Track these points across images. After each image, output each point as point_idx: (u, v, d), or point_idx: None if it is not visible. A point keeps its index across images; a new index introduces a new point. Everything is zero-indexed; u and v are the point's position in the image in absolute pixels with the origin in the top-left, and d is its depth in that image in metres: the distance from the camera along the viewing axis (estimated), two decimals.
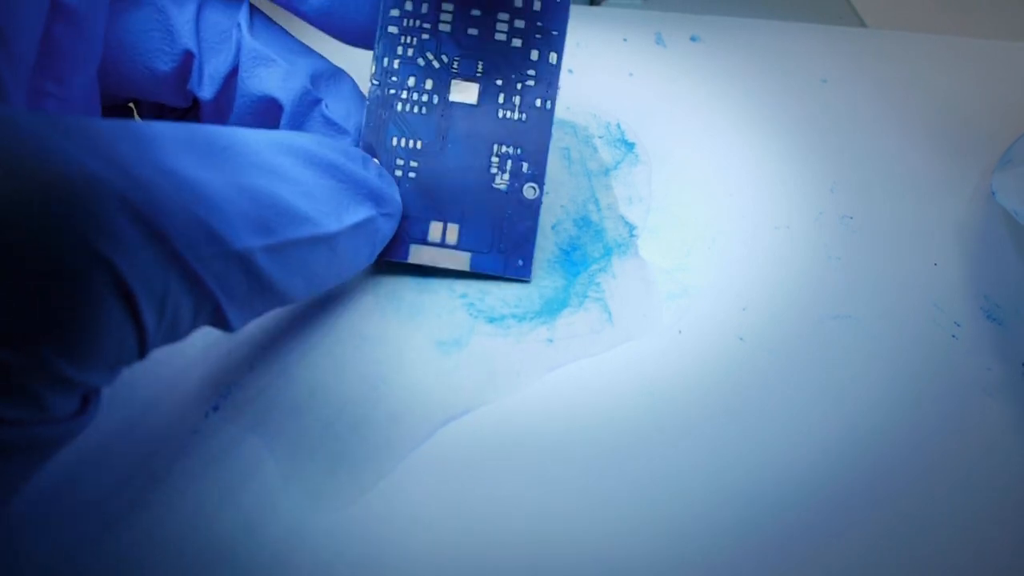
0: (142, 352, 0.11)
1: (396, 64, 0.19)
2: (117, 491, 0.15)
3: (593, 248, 0.20)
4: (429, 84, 0.19)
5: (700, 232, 0.21)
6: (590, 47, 0.25)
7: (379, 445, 0.16)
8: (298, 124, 0.18)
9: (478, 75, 0.19)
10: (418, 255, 0.19)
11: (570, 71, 0.25)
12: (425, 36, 0.19)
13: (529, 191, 0.19)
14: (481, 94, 0.19)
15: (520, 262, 0.19)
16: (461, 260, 0.19)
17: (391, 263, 0.19)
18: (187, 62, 0.18)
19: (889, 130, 0.24)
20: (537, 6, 0.19)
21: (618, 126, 0.23)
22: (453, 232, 0.19)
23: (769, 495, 0.16)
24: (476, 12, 0.19)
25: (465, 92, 0.19)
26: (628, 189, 0.22)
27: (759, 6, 0.30)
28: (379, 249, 0.18)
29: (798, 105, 0.25)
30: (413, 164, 0.19)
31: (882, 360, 0.19)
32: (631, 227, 0.21)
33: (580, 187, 0.22)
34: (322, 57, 0.19)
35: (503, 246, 0.19)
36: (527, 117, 0.19)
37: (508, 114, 0.19)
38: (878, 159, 0.23)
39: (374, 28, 0.19)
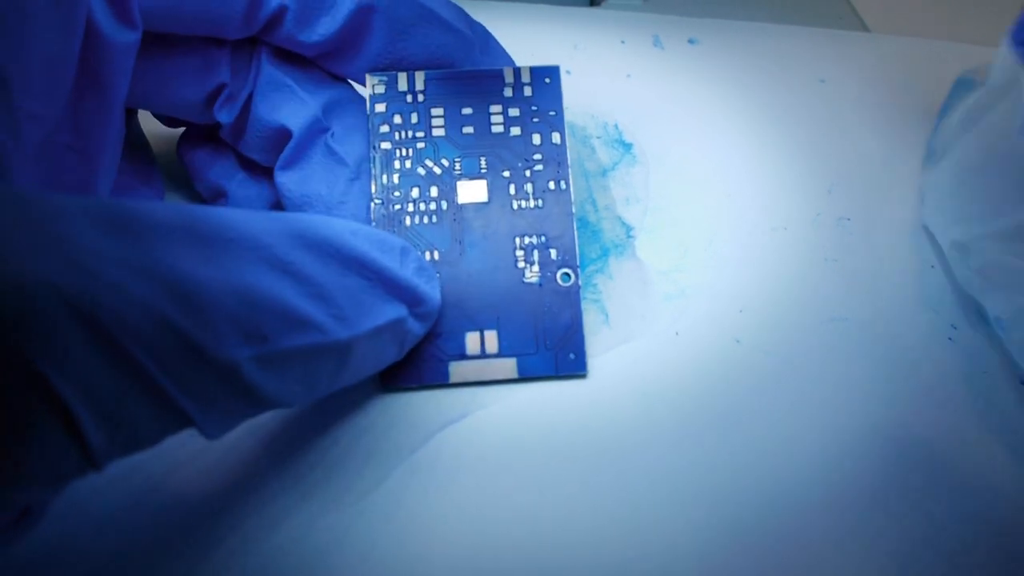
0: (95, 466, 0.10)
1: (396, 179, 0.18)
2: (112, 494, 0.15)
3: (590, 249, 0.20)
4: (434, 191, 0.18)
5: (697, 233, 0.21)
6: (588, 49, 0.25)
7: (377, 449, 0.16)
8: (302, 152, 0.17)
9: (483, 171, 0.18)
10: (460, 373, 0.17)
11: (568, 72, 0.25)
12: (420, 145, 0.18)
13: (563, 278, 0.18)
14: (490, 189, 0.18)
15: (572, 355, 0.18)
16: (507, 368, 0.17)
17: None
18: (217, 91, 0.17)
19: (888, 132, 0.24)
20: (528, 92, 0.18)
21: (616, 126, 0.23)
22: (492, 340, 0.17)
23: (765, 497, 0.16)
24: (467, 110, 0.18)
25: (473, 191, 0.18)
26: (626, 190, 0.22)
27: (758, 9, 0.30)
28: (408, 348, 0.16)
29: (796, 106, 0.25)
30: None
31: (879, 362, 0.19)
32: (628, 228, 0.21)
33: (577, 187, 0.22)
34: (346, 84, 0.19)
35: (549, 343, 0.18)
36: (544, 202, 0.18)
37: (523, 203, 0.18)
38: (876, 161, 0.23)
39: (376, 66, 0.18)
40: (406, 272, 0.15)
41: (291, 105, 0.17)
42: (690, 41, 0.26)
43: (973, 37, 0.29)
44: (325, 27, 0.17)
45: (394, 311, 0.14)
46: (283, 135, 0.18)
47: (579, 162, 0.22)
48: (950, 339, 0.19)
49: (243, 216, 0.12)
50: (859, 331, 0.19)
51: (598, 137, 0.23)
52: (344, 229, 0.13)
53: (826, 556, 0.16)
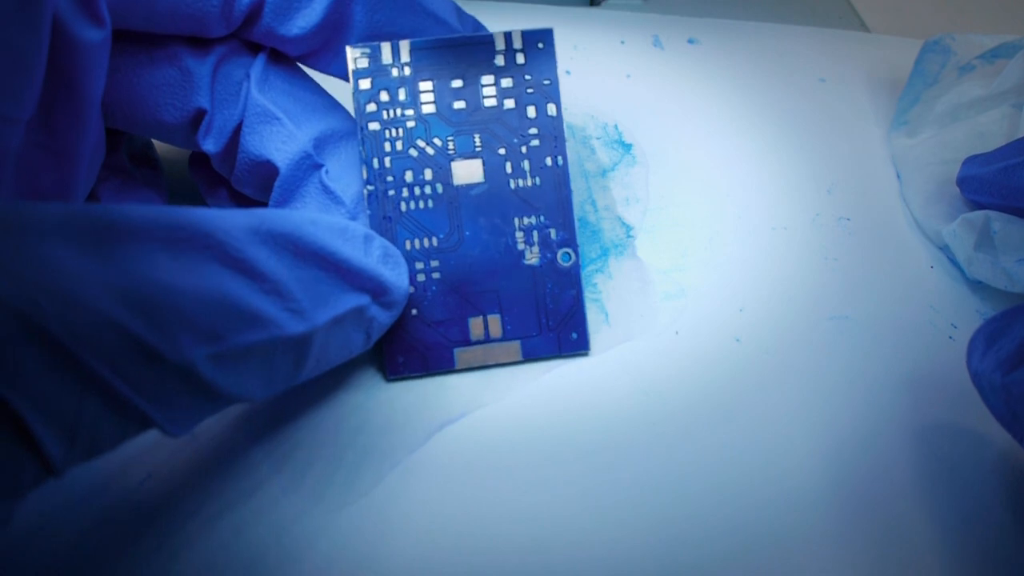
0: (54, 474, 0.10)
1: (388, 162, 0.17)
2: (112, 494, 0.15)
3: (590, 249, 0.20)
4: (429, 174, 0.17)
5: (697, 233, 0.21)
6: (588, 49, 0.25)
7: (377, 448, 0.16)
8: (293, 190, 0.17)
9: (478, 150, 0.17)
10: (465, 359, 0.17)
11: (568, 72, 0.25)
12: (411, 124, 0.17)
13: (564, 257, 0.18)
14: (486, 169, 0.18)
15: (574, 335, 0.18)
16: (512, 351, 0.17)
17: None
18: (198, 116, 0.17)
19: (886, 132, 0.24)
20: (520, 59, 0.18)
21: (616, 127, 0.23)
22: (495, 324, 0.17)
23: (766, 495, 0.16)
24: (457, 83, 0.17)
25: (469, 171, 0.17)
26: (625, 190, 0.22)
27: (758, 9, 0.30)
28: (377, 336, 0.16)
29: (796, 106, 0.25)
30: (434, 264, 0.17)
31: (878, 361, 0.19)
32: (628, 228, 0.21)
33: (577, 188, 0.22)
34: (342, 115, 0.18)
35: (552, 323, 0.18)
36: (541, 180, 0.18)
37: (520, 182, 0.18)
38: (875, 161, 0.23)
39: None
40: (370, 260, 0.15)
41: (279, 139, 0.17)
42: (690, 41, 0.26)
43: None
44: (305, 20, 0.16)
45: (354, 300, 0.14)
46: (271, 171, 0.17)
47: (579, 162, 0.22)
48: (950, 338, 0.19)
49: (198, 214, 0.12)
50: (859, 330, 0.19)
51: (598, 138, 0.23)
52: (303, 220, 0.13)
53: (825, 554, 0.16)
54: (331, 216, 0.14)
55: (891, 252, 0.21)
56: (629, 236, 0.21)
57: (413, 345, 0.17)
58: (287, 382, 0.14)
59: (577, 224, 0.21)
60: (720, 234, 0.21)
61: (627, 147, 0.23)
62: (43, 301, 0.09)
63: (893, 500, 0.16)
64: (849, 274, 0.21)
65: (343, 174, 0.17)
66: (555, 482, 0.16)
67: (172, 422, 0.11)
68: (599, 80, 0.25)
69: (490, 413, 0.17)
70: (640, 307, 0.19)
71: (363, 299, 0.15)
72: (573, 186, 0.22)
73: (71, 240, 0.10)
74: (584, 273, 0.20)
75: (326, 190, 0.17)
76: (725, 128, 0.24)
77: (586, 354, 0.18)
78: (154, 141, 0.20)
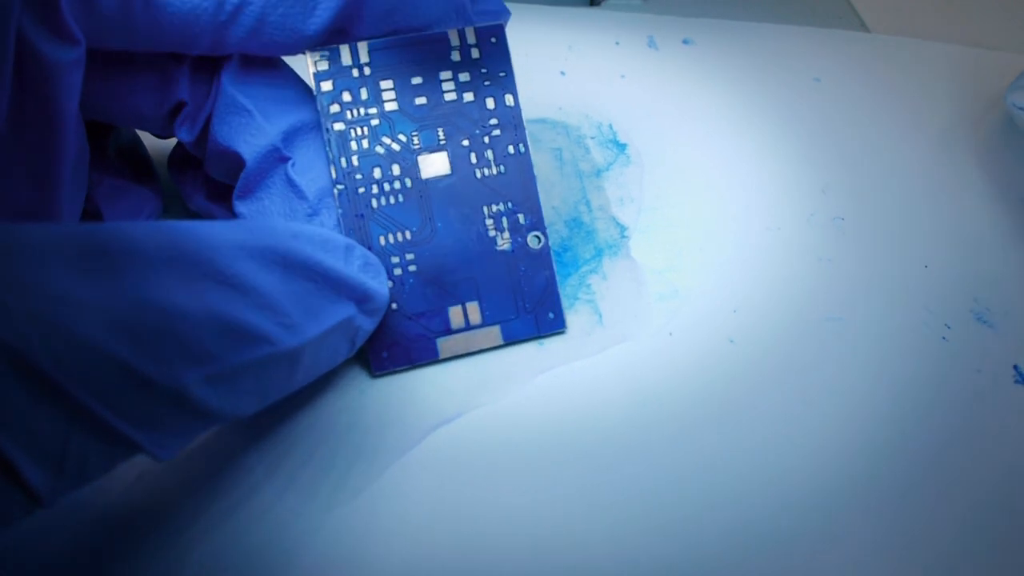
0: (41, 505, 0.10)
1: (355, 161, 0.17)
2: (109, 494, 0.15)
3: (584, 249, 0.20)
4: (396, 169, 0.18)
5: (691, 233, 0.21)
6: (582, 50, 0.25)
7: (371, 449, 0.16)
8: (257, 181, 0.17)
9: (442, 143, 0.18)
10: (448, 348, 0.18)
11: (563, 73, 0.25)
12: (375, 122, 0.18)
13: (534, 241, 0.18)
14: (452, 161, 0.18)
15: (551, 315, 0.18)
16: (493, 336, 0.18)
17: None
18: (177, 108, 0.17)
19: (882, 132, 0.24)
20: (475, 54, 0.18)
21: (610, 127, 0.23)
22: (474, 311, 0.18)
23: (760, 497, 0.16)
24: (417, 80, 0.18)
25: (436, 164, 0.18)
26: (620, 190, 0.22)
27: (758, 9, 0.30)
28: (361, 343, 0.16)
29: (790, 106, 0.25)
30: (409, 257, 0.17)
31: (872, 362, 0.19)
32: (622, 228, 0.21)
33: (571, 188, 0.22)
34: (315, 106, 0.18)
35: (528, 306, 0.18)
36: (506, 168, 0.18)
37: (486, 171, 0.18)
38: (870, 161, 0.23)
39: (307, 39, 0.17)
40: (351, 269, 0.15)
41: (248, 131, 0.16)
42: (684, 41, 0.26)
43: (973, 39, 0.29)
44: (313, 27, 0.16)
45: (343, 311, 0.14)
46: (239, 161, 0.17)
47: (573, 162, 0.22)
48: (944, 338, 0.19)
49: (186, 229, 0.12)
50: (853, 331, 0.19)
51: (592, 137, 0.23)
52: (285, 233, 0.13)
53: (819, 555, 0.16)
54: (311, 228, 0.14)
55: (885, 252, 0.21)
56: (623, 236, 0.21)
57: (396, 339, 0.17)
58: (277, 395, 0.14)
59: (571, 226, 0.21)
60: (714, 235, 0.21)
61: (622, 147, 0.23)
62: (31, 332, 0.09)
63: (887, 500, 0.16)
64: (843, 274, 0.20)
65: (310, 167, 0.17)
66: (549, 483, 0.16)
67: (160, 447, 0.11)
68: (594, 80, 0.25)
69: (485, 414, 0.17)
70: (634, 308, 0.19)
71: (350, 309, 0.15)
72: (567, 185, 0.22)
73: (63, 264, 0.10)
74: (578, 273, 0.20)
75: (290, 183, 0.17)
76: (719, 128, 0.24)
77: (563, 332, 0.18)
78: (143, 139, 0.20)
